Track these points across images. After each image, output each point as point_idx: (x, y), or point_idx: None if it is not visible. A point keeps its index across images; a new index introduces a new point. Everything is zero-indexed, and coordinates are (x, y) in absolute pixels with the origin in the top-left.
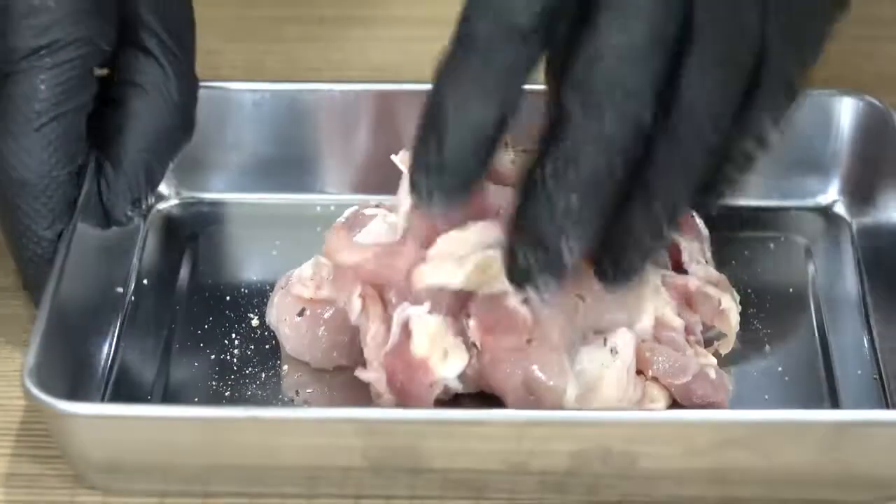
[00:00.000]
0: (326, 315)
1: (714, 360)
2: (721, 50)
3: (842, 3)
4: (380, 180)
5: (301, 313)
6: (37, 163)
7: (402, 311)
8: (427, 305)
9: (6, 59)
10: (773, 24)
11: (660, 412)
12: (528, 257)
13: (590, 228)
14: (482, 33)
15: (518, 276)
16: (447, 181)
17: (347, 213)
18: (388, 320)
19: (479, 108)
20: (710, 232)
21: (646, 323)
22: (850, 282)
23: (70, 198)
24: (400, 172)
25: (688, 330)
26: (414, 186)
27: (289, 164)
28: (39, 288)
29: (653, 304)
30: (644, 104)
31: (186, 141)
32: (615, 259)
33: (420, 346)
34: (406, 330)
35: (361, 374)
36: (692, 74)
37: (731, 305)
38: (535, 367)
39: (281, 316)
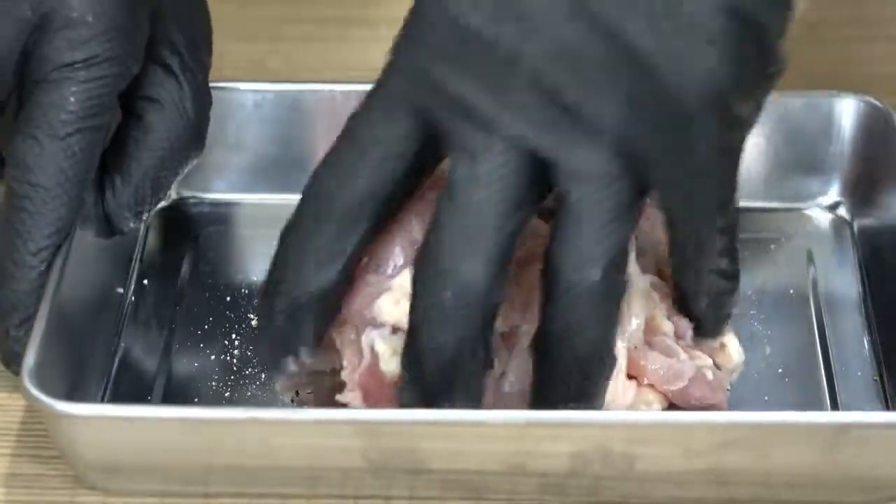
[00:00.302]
0: None
1: (709, 361)
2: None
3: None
4: None
5: None
6: (55, 170)
7: (367, 335)
8: (388, 328)
9: (38, 68)
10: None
11: (660, 413)
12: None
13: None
14: (305, 215)
15: None
16: (272, 351)
17: None
18: (359, 344)
19: (298, 286)
20: None
21: (635, 327)
22: (850, 283)
23: (74, 213)
24: None
25: (677, 333)
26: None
27: (290, 164)
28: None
29: (643, 308)
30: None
31: (196, 156)
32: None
33: (388, 364)
34: (374, 352)
35: (340, 397)
36: (561, 242)
37: (731, 338)
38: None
39: None
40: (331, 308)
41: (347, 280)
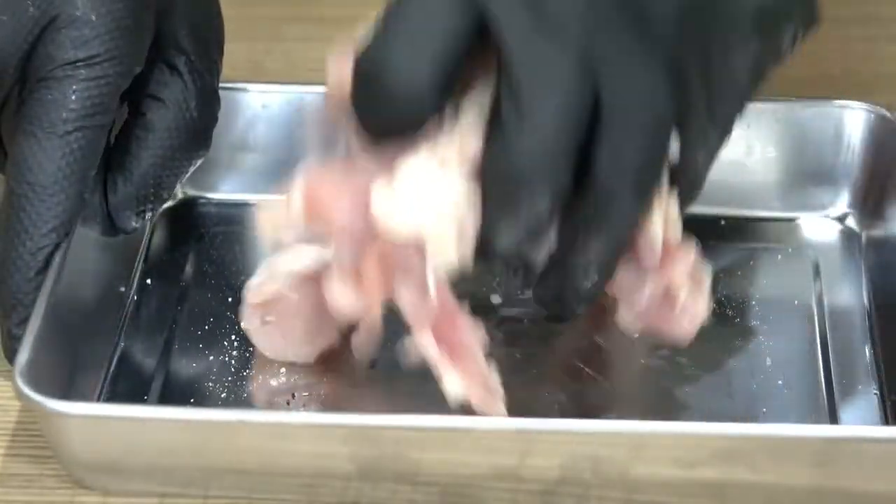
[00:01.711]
0: (284, 308)
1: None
2: (632, 135)
3: (762, 75)
4: None
5: (264, 321)
6: (54, 168)
7: None
8: None
9: (41, 65)
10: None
11: (655, 423)
12: None
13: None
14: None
15: None
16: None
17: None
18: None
19: None
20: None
21: None
22: (856, 295)
23: (74, 213)
24: None
25: None
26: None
27: (295, 165)
28: (18, 309)
29: None
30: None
31: (201, 157)
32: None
33: None
34: None
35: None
36: (604, 158)
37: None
38: None
39: (249, 327)
40: None
41: None
